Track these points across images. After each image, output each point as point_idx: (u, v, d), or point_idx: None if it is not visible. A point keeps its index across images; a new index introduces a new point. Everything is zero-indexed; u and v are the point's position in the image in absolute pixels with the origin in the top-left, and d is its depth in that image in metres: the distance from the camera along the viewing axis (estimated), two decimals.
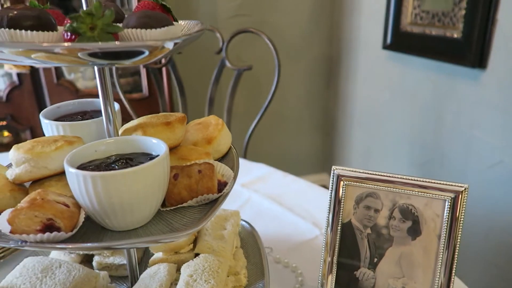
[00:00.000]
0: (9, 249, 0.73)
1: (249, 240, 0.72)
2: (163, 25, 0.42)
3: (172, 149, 0.54)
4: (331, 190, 0.60)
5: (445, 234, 0.54)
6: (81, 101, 0.62)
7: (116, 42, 0.39)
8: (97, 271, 0.61)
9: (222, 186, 0.50)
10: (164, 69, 1.71)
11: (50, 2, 1.66)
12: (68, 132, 0.54)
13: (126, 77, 1.84)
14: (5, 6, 1.62)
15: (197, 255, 0.60)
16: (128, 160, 0.45)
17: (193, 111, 1.83)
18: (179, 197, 0.48)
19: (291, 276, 0.71)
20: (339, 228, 0.60)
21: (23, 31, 0.39)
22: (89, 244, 0.42)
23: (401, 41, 1.70)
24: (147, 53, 0.38)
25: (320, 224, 0.86)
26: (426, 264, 0.56)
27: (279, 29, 2.09)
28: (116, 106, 0.55)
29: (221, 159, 0.60)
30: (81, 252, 0.64)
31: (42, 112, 0.57)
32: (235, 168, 0.55)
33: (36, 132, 1.81)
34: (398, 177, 0.56)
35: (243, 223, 0.76)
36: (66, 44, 0.38)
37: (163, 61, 1.59)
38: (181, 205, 0.48)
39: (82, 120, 0.57)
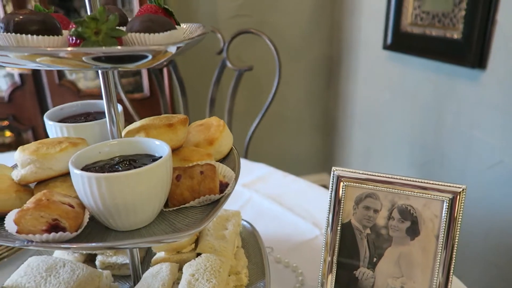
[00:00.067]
0: (13, 248, 0.74)
1: (250, 240, 0.73)
2: (166, 29, 0.42)
3: (175, 150, 0.55)
4: (331, 191, 0.61)
5: (443, 234, 0.55)
6: (84, 102, 0.63)
7: (119, 47, 0.39)
8: (100, 270, 0.62)
9: (224, 187, 0.50)
10: (165, 70, 1.72)
11: (51, 3, 1.67)
12: (72, 134, 0.55)
13: (127, 77, 1.85)
14: (6, 7, 1.63)
15: (199, 254, 0.61)
16: (132, 161, 0.45)
17: (194, 111, 1.84)
18: (182, 198, 0.48)
19: (292, 276, 0.72)
20: (339, 228, 0.60)
21: (29, 35, 0.40)
22: (93, 244, 0.42)
23: (401, 41, 1.70)
24: (150, 57, 0.39)
25: (320, 224, 0.87)
26: (425, 264, 0.57)
27: (279, 29, 2.10)
28: (119, 108, 0.55)
29: (222, 160, 0.61)
30: (84, 252, 0.65)
31: (46, 113, 0.58)
32: (236, 169, 0.56)
33: (38, 132, 1.82)
34: (397, 178, 0.57)
35: (244, 223, 0.76)
36: (69, 48, 0.39)
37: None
38: (183, 206, 0.49)
39: (85, 121, 0.58)
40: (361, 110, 2.11)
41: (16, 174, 0.47)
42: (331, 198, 0.61)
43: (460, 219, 0.54)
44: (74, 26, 0.39)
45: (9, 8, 1.62)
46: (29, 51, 0.39)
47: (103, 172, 0.43)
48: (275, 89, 1.45)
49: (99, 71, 0.47)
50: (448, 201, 0.55)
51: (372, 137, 2.05)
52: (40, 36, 0.40)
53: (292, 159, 2.44)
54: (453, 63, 1.45)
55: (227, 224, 0.69)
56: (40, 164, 0.46)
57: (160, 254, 0.63)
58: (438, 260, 0.55)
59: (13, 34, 0.40)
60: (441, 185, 0.55)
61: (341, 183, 0.60)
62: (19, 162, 0.48)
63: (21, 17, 0.40)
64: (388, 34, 1.76)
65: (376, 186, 0.58)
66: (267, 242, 0.77)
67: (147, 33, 0.42)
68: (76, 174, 0.41)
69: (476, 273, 1.49)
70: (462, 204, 0.54)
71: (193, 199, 0.48)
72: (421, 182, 0.56)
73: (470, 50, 1.35)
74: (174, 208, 0.49)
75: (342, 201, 0.60)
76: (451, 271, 0.55)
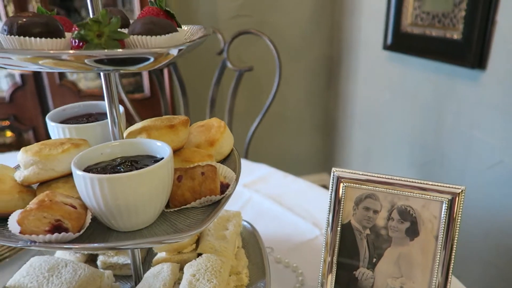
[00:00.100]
0: (14, 248, 0.75)
1: (251, 240, 0.73)
2: (167, 32, 0.43)
3: (176, 151, 0.55)
4: (331, 192, 0.61)
5: (442, 234, 0.55)
6: (86, 103, 0.63)
7: (119, 50, 0.40)
8: (101, 270, 0.62)
9: (225, 188, 0.51)
10: (166, 70, 1.72)
11: (51, 3, 1.68)
12: (74, 135, 0.55)
13: (128, 77, 1.85)
14: (8, 7, 1.63)
15: (199, 255, 0.61)
16: (133, 162, 0.46)
17: (194, 112, 1.85)
18: (183, 199, 0.49)
19: (292, 276, 0.72)
20: (339, 228, 0.61)
21: (32, 38, 0.40)
22: (95, 245, 0.43)
23: (401, 41, 1.71)
24: (152, 59, 0.39)
25: (320, 224, 0.87)
26: (424, 264, 0.57)
27: (279, 30, 2.10)
28: (121, 109, 0.56)
29: (223, 161, 0.61)
30: (86, 252, 0.66)
31: (48, 114, 0.58)
32: (237, 170, 0.56)
33: (39, 132, 1.83)
34: (396, 179, 0.58)
35: (245, 223, 0.77)
36: (71, 51, 0.40)
37: None
38: (184, 207, 0.49)
39: (87, 122, 0.58)
40: (361, 110, 2.12)
41: (19, 175, 0.48)
42: (331, 199, 0.61)
43: (459, 220, 0.55)
44: (77, 28, 0.40)
45: (10, 8, 1.63)
46: (31, 54, 0.39)
47: (105, 173, 0.43)
48: (275, 89, 1.46)
49: (101, 73, 0.47)
50: (447, 202, 0.55)
51: (372, 137, 2.06)
52: (43, 39, 0.41)
53: (292, 159, 2.45)
54: (453, 63, 1.45)
55: (228, 225, 0.69)
56: (42, 165, 0.47)
57: (161, 254, 0.64)
58: (437, 261, 0.56)
59: (17, 36, 0.40)
60: (440, 186, 0.56)
61: (341, 184, 0.60)
62: (21, 163, 0.48)
63: (24, 19, 0.41)
64: (388, 34, 1.76)
65: (376, 187, 0.59)
66: (268, 242, 0.77)
67: (149, 35, 0.42)
68: (79, 175, 0.42)
69: (476, 273, 1.49)
70: (461, 205, 0.55)
71: (194, 200, 0.48)
72: (421, 183, 0.57)
73: (470, 51, 1.35)
74: (176, 209, 0.49)
75: (342, 202, 0.60)
76: (450, 271, 0.55)
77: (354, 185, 0.60)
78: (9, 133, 1.84)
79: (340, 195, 0.60)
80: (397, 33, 1.71)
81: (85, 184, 0.41)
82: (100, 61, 0.39)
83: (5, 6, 1.60)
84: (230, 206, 0.78)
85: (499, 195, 1.37)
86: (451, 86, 1.50)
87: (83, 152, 0.46)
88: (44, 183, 0.49)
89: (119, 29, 0.42)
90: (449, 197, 0.55)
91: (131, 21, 0.52)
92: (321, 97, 2.38)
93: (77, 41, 0.40)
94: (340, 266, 0.61)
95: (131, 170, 0.43)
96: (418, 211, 0.57)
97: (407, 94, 1.75)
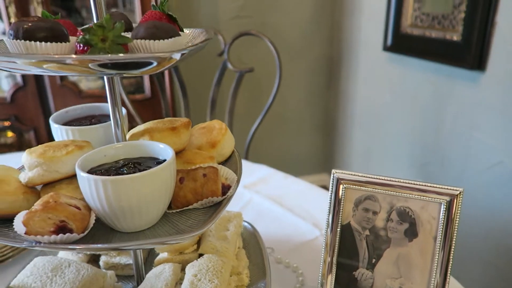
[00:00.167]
0: (17, 248, 0.76)
1: (251, 241, 0.74)
2: (170, 36, 0.44)
3: (178, 153, 0.56)
4: (331, 193, 0.62)
5: (441, 236, 0.56)
6: (89, 105, 0.64)
7: (122, 55, 0.41)
8: (104, 270, 0.63)
9: (226, 189, 0.51)
10: (166, 71, 1.73)
11: (53, 4, 1.68)
12: (77, 137, 0.56)
13: (128, 78, 1.86)
14: (9, 8, 1.64)
15: (201, 255, 0.62)
16: (136, 164, 0.47)
17: (195, 113, 1.85)
18: (185, 200, 0.49)
19: (292, 276, 0.73)
20: (338, 229, 0.62)
21: (38, 42, 0.41)
22: (99, 245, 0.44)
23: (401, 43, 1.71)
24: (155, 64, 0.40)
25: (320, 225, 0.88)
26: (423, 265, 0.58)
27: (279, 30, 2.11)
28: (123, 111, 0.57)
29: (224, 162, 0.62)
30: (88, 252, 0.66)
31: (51, 116, 0.59)
32: (238, 172, 0.57)
33: (40, 133, 1.84)
34: (395, 181, 0.58)
35: (245, 224, 0.77)
36: (75, 56, 0.40)
37: None
38: (186, 208, 0.50)
39: (90, 124, 0.59)
40: (361, 110, 2.12)
41: (24, 177, 0.49)
42: (331, 200, 0.62)
43: (457, 221, 0.55)
44: (81, 33, 0.40)
45: (12, 9, 1.64)
46: (36, 58, 0.40)
47: (109, 175, 0.44)
48: (275, 90, 1.46)
49: (105, 77, 0.48)
50: (445, 204, 0.56)
51: (372, 138, 2.06)
52: (48, 43, 0.41)
53: (293, 159, 2.45)
54: (453, 64, 1.46)
55: (229, 225, 0.70)
56: (47, 166, 0.47)
57: (163, 255, 0.64)
58: (436, 261, 0.57)
59: (22, 41, 0.41)
60: (439, 187, 0.56)
61: (341, 185, 0.61)
62: (26, 164, 0.49)
63: (29, 24, 0.41)
64: (388, 35, 1.77)
65: (375, 189, 0.59)
66: (268, 242, 0.78)
67: (152, 40, 0.43)
68: (83, 177, 0.42)
69: (476, 274, 1.50)
70: (459, 206, 0.55)
71: (196, 201, 0.49)
72: (419, 184, 0.57)
73: (470, 52, 1.36)
74: (178, 210, 0.50)
75: (342, 203, 0.61)
76: (449, 271, 0.56)
77: (354, 186, 0.60)
78: (10, 134, 1.85)
79: (340, 196, 0.61)
80: (397, 34, 1.72)
81: (89, 186, 0.42)
82: (103, 65, 0.40)
83: (6, 7, 1.61)
84: (231, 207, 0.79)
85: (498, 196, 1.38)
86: (451, 87, 1.51)
87: (87, 154, 0.47)
88: (48, 184, 0.50)
89: (122, 33, 0.43)
90: (448, 198, 0.56)
91: (134, 25, 0.53)
92: (321, 97, 2.38)
93: (82, 45, 0.41)
94: (340, 267, 0.62)
95: (134, 172, 0.44)
96: (417, 213, 0.58)
97: (407, 95, 1.76)
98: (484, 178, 1.41)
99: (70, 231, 0.42)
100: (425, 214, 0.57)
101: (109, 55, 0.40)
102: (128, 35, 0.46)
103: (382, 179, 0.59)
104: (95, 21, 0.45)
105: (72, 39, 0.45)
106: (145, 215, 0.45)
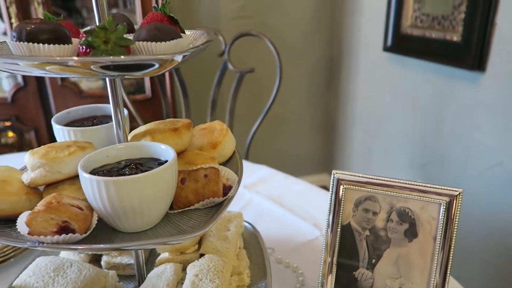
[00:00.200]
0: (19, 248, 0.76)
1: (252, 241, 0.74)
2: (172, 38, 0.44)
3: (179, 154, 0.56)
4: (331, 193, 0.62)
5: (441, 236, 0.56)
6: (90, 106, 0.64)
7: (123, 57, 0.41)
8: (106, 270, 0.63)
9: (227, 190, 0.52)
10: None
11: (53, 4, 1.69)
12: (79, 137, 0.56)
13: (129, 78, 1.87)
14: (10, 8, 1.64)
15: (202, 255, 0.62)
16: (138, 165, 0.47)
17: (195, 113, 1.86)
18: (186, 201, 0.50)
19: (292, 276, 0.73)
20: (338, 230, 0.62)
21: (41, 44, 0.41)
22: (101, 245, 0.44)
23: (401, 43, 1.72)
24: (157, 66, 0.40)
25: (321, 225, 0.88)
26: (423, 265, 0.58)
27: (280, 31, 2.11)
28: (125, 112, 0.57)
29: (225, 163, 0.62)
30: (90, 252, 0.67)
31: (53, 117, 0.59)
32: (239, 172, 0.57)
33: (40, 133, 1.84)
34: (395, 181, 0.59)
35: (246, 224, 0.78)
36: (77, 58, 0.41)
37: None
38: (188, 208, 0.50)
39: (92, 125, 0.59)
40: (361, 111, 2.13)
41: (26, 177, 0.49)
42: (331, 200, 0.62)
43: (456, 221, 0.56)
44: (83, 35, 0.41)
45: (13, 10, 1.64)
46: (39, 60, 0.40)
47: (111, 175, 0.44)
48: (276, 90, 1.47)
49: (107, 78, 0.48)
50: (445, 204, 0.56)
51: (373, 138, 2.07)
52: (51, 45, 0.42)
53: (293, 160, 2.46)
54: (453, 65, 1.46)
55: (229, 226, 0.70)
56: (49, 167, 0.48)
57: (164, 255, 0.65)
58: (436, 261, 0.57)
59: (25, 43, 0.41)
60: (439, 188, 0.57)
61: (341, 186, 0.61)
62: (29, 165, 0.49)
63: (32, 26, 0.42)
64: (388, 36, 1.77)
65: (375, 189, 0.60)
66: (268, 243, 0.78)
67: (153, 41, 0.43)
68: (86, 178, 0.43)
69: (476, 274, 1.50)
70: (459, 207, 0.56)
71: (198, 201, 0.49)
72: (419, 185, 0.58)
73: (470, 53, 1.36)
74: (179, 211, 0.50)
75: (342, 204, 0.61)
76: (448, 272, 0.56)
77: (354, 187, 0.61)
78: (10, 134, 1.86)
79: (340, 196, 0.61)
80: (397, 34, 1.72)
81: (92, 187, 0.42)
82: (106, 67, 0.40)
83: (7, 8, 1.62)
84: (232, 207, 0.79)
85: (498, 196, 1.38)
86: (451, 88, 1.51)
87: (89, 155, 0.47)
88: (51, 185, 0.50)
89: (124, 35, 0.43)
90: (447, 199, 0.56)
91: (135, 26, 0.53)
92: (322, 98, 2.39)
93: (84, 47, 0.41)
94: (340, 267, 0.63)
95: (136, 173, 0.44)
96: (416, 213, 0.58)
97: (407, 96, 1.76)
98: (484, 178, 1.42)
99: (73, 231, 0.42)
100: (425, 214, 0.58)
101: (111, 57, 0.40)
102: (130, 36, 0.46)
103: (382, 180, 0.59)
104: (97, 23, 0.45)
105: (75, 41, 0.45)
106: (147, 215, 0.45)
